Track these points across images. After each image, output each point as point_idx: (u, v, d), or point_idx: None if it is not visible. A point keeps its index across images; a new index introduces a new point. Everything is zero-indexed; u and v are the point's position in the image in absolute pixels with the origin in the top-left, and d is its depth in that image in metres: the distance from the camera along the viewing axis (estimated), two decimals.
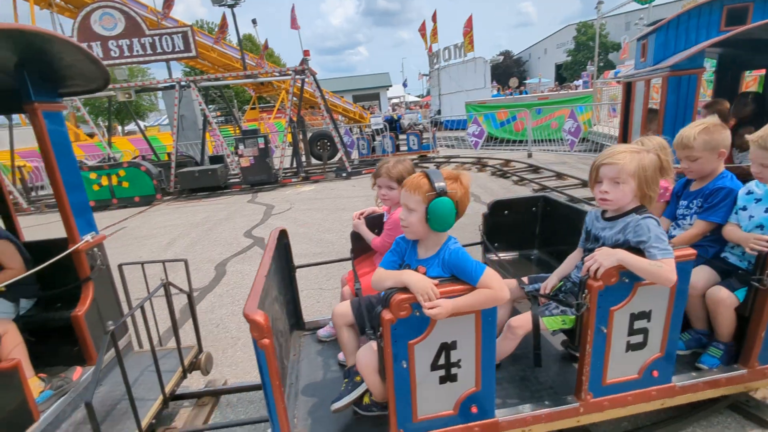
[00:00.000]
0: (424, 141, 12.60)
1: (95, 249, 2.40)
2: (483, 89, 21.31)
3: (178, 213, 8.50)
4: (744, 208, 1.90)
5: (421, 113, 25.09)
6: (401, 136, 12.75)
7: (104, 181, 9.65)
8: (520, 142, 13.38)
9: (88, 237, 2.31)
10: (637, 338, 1.66)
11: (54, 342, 1.83)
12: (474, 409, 1.62)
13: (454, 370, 1.55)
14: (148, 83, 11.14)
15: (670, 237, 2.11)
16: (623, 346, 1.66)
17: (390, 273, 1.55)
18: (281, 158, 10.66)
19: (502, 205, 2.78)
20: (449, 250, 1.53)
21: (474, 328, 1.49)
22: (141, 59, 9.83)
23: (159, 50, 9.58)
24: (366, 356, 1.60)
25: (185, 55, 9.75)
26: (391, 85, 42.38)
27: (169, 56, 9.77)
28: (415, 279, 1.43)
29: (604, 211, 1.79)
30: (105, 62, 9.47)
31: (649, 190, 1.64)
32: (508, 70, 48.06)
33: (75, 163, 2.36)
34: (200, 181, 10.01)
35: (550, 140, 12.95)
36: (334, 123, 10.71)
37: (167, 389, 2.13)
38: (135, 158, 11.20)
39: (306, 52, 9.92)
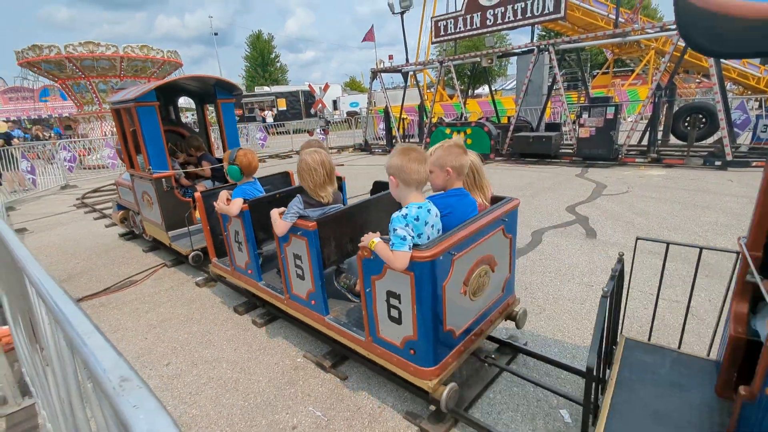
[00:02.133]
0: None
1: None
2: None
3: (505, 174, 9.01)
4: None
5: None
6: None
7: (454, 137, 11.44)
8: None
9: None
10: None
11: None
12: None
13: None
14: (507, 49, 11.84)
15: None
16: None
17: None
18: (630, 132, 9.10)
19: None
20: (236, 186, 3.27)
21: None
22: (509, 25, 10.46)
23: (528, 15, 9.86)
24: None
25: (553, 17, 9.57)
26: None
27: (537, 20, 9.88)
28: (221, 192, 3.16)
29: None
30: (480, 30, 10.61)
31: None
32: None
33: (236, 129, 4.97)
34: (532, 147, 10.10)
35: None
36: (723, 93, 7.96)
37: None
38: (480, 119, 12.55)
39: None
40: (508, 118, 12.20)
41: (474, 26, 11.19)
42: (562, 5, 9.30)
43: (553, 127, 11.07)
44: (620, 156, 9.10)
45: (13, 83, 30.14)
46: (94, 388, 0.60)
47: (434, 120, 13.12)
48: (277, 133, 22.13)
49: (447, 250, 1.89)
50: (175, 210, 4.42)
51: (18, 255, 1.05)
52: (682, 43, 8.61)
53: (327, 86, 18.87)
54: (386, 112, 14.21)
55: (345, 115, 28.22)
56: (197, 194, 3.50)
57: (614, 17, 10.09)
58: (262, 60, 45.47)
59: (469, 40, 27.18)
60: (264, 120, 26.00)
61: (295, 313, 2.81)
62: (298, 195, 2.58)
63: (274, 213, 2.60)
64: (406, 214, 1.88)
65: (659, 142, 9.67)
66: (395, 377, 2.33)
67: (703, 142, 9.94)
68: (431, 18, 12.73)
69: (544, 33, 29.15)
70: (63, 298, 0.74)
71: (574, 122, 9.83)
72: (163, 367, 2.85)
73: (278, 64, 47.06)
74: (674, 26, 8.26)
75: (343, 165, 12.13)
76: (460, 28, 11.56)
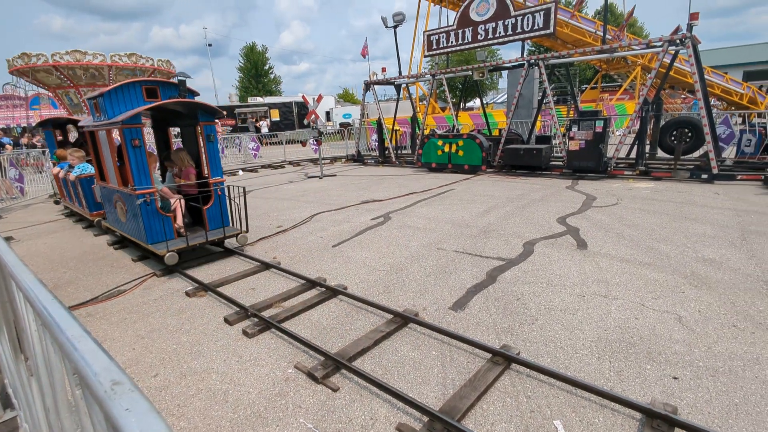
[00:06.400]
0: None
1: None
2: None
3: (497, 186, 9.10)
4: None
5: None
6: None
7: (446, 148, 11.54)
8: None
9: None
10: None
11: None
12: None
13: None
14: (498, 63, 12.06)
15: None
16: None
17: None
18: (618, 146, 9.27)
19: None
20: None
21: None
22: (500, 40, 10.68)
23: (518, 30, 10.08)
24: None
25: (542, 32, 9.80)
26: None
27: (527, 35, 10.09)
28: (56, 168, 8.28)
29: None
30: (472, 45, 10.81)
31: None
32: None
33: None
34: (523, 159, 10.23)
35: None
36: (708, 108, 8.18)
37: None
38: (472, 131, 12.69)
39: (694, 15, 7.80)
40: (500, 130, 12.36)
41: (465, 41, 11.40)
42: (552, 22, 9.54)
43: (543, 139, 11.23)
44: (609, 169, 9.26)
45: (2, 92, 29.90)
46: (84, 394, 0.59)
47: (426, 132, 13.24)
48: (270, 143, 22.10)
49: (85, 177, 6.68)
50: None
51: (6, 260, 1.04)
52: (667, 60, 8.86)
53: (320, 97, 18.87)
54: (379, 123, 14.31)
55: (338, 126, 28.34)
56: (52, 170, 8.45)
57: (602, 34, 10.37)
58: (256, 71, 45.70)
59: (460, 54, 27.62)
60: (259, 130, 26.00)
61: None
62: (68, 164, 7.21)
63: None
64: (77, 165, 6.82)
65: (647, 155, 9.87)
66: (387, 390, 2.33)
67: (690, 155, 10.17)
68: (423, 32, 12.95)
69: (533, 48, 29.78)
70: (52, 303, 0.73)
71: (564, 135, 10.00)
72: (150, 378, 2.78)
73: (272, 76, 47.33)
74: (660, 43, 8.51)
75: (335, 175, 12.15)
76: (452, 42, 11.77)
